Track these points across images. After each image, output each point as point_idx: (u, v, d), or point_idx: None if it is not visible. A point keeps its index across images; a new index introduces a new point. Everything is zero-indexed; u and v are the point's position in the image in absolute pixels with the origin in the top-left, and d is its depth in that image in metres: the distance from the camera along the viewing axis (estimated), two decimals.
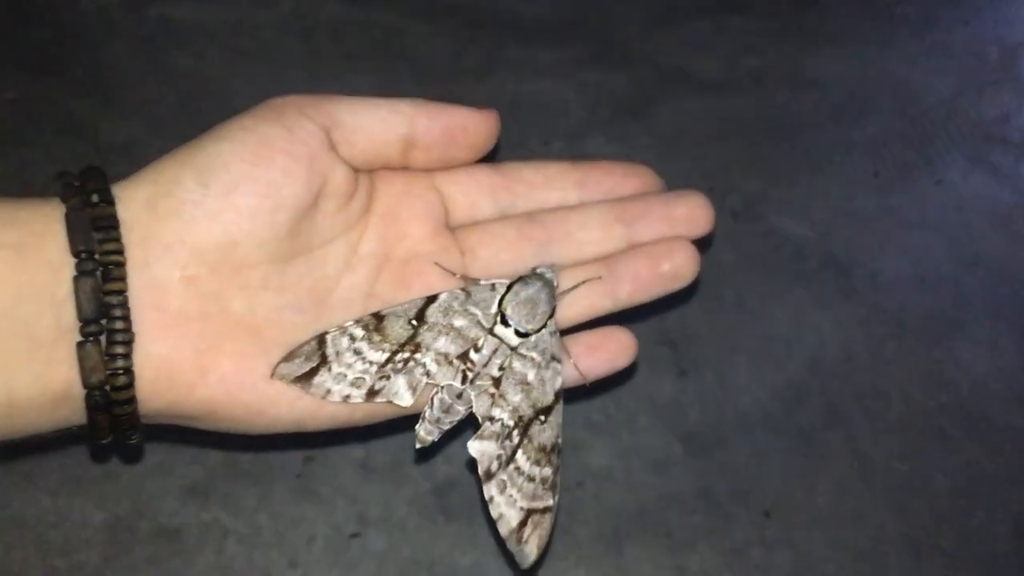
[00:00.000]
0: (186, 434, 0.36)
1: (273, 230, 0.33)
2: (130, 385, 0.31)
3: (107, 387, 0.31)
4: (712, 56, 0.68)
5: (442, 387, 0.36)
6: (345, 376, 0.35)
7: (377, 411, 0.36)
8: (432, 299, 0.36)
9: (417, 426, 0.36)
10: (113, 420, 0.32)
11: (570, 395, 0.39)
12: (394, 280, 0.37)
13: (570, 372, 0.37)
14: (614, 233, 0.39)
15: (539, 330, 0.36)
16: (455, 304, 0.36)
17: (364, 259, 0.37)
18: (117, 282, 0.30)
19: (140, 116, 0.59)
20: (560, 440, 0.37)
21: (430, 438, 0.36)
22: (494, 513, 0.35)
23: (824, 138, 0.64)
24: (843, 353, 0.54)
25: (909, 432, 0.52)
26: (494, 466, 0.35)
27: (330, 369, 0.34)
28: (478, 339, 0.36)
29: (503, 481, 0.35)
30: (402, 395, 0.35)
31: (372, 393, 0.35)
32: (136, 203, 0.31)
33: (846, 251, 0.59)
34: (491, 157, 0.60)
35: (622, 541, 0.47)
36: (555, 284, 0.36)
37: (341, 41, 0.65)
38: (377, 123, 0.35)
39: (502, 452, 0.35)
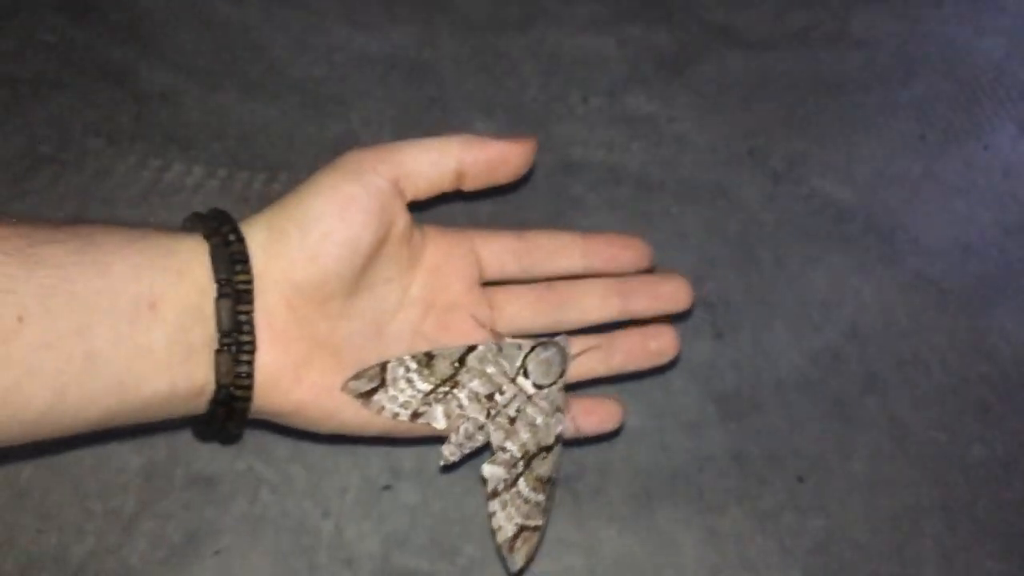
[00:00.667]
0: None
1: (351, 270, 0.40)
2: (250, 386, 0.38)
3: (232, 387, 0.38)
4: (757, 12, 0.67)
5: (469, 418, 0.43)
6: (397, 398, 0.42)
7: (416, 429, 0.43)
8: (472, 348, 0.43)
9: (443, 447, 0.42)
10: (229, 413, 0.39)
11: (567, 443, 0.44)
12: (437, 323, 0.44)
13: (568, 424, 0.44)
14: (611, 303, 0.46)
15: (551, 385, 0.43)
16: (489, 355, 0.43)
17: (414, 302, 0.44)
18: (247, 304, 0.38)
19: (177, 64, 0.59)
20: (556, 475, 0.43)
21: (453, 458, 0.42)
22: (494, 524, 0.42)
23: (869, 99, 0.63)
24: (883, 319, 0.54)
25: (948, 401, 0.51)
26: (500, 487, 0.42)
27: (387, 391, 0.42)
28: (502, 385, 0.43)
29: (505, 500, 0.42)
30: (439, 420, 0.43)
31: (415, 415, 0.42)
32: (255, 244, 0.39)
33: (889, 215, 0.58)
34: (532, 113, 0.59)
35: (653, 501, 0.47)
36: (568, 352, 0.44)
37: None
38: (432, 167, 0.42)
39: (508, 477, 0.42)
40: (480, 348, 0.44)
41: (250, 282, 0.38)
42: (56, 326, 0.33)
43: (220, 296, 0.37)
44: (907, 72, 0.64)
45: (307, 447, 0.46)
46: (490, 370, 0.43)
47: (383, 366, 0.42)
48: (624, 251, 0.47)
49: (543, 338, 0.44)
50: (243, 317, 0.38)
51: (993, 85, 0.64)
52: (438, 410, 0.43)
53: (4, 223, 0.34)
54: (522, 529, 0.42)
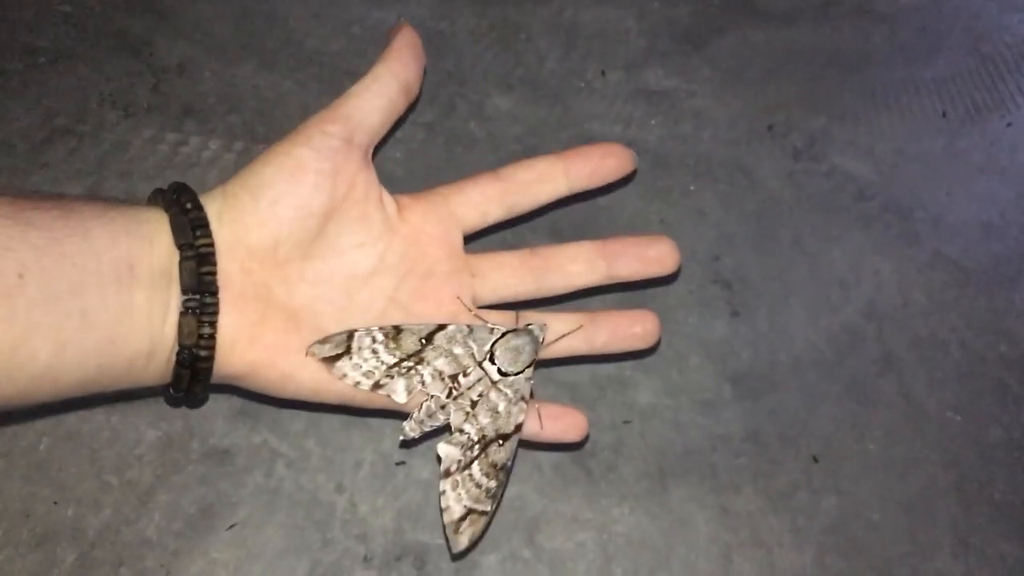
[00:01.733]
0: None
1: (305, 233, 0.41)
2: (212, 347, 0.39)
3: (195, 348, 0.39)
4: None
5: (431, 396, 0.43)
6: (360, 367, 0.42)
7: (375, 400, 0.43)
8: (442, 327, 0.44)
9: (404, 423, 0.42)
10: (194, 375, 0.39)
11: (524, 443, 0.44)
12: (413, 291, 0.44)
13: (533, 422, 0.44)
14: (597, 267, 0.46)
15: (518, 374, 0.43)
16: (459, 336, 0.44)
17: (389, 267, 0.44)
18: (210, 266, 0.39)
19: (195, 36, 0.58)
20: (511, 464, 0.43)
21: (412, 434, 0.42)
22: (443, 503, 0.42)
23: (892, 75, 0.62)
24: (901, 299, 0.53)
25: (965, 382, 0.51)
26: (453, 467, 0.42)
27: (351, 358, 0.42)
28: (468, 367, 0.43)
29: (457, 481, 0.42)
30: (399, 394, 0.43)
31: (377, 386, 0.42)
32: (212, 212, 0.40)
33: (909, 194, 0.57)
34: (550, 87, 0.59)
35: (667, 480, 0.47)
36: (540, 341, 0.44)
37: None
38: (380, 105, 0.43)
39: (462, 459, 0.42)
40: (451, 328, 0.44)
41: (211, 245, 0.39)
42: (52, 284, 0.35)
43: (183, 259, 0.38)
44: (930, 48, 0.63)
45: (322, 421, 0.47)
46: (457, 351, 0.43)
47: (350, 334, 0.42)
48: (605, 159, 0.47)
49: (520, 327, 0.44)
50: (207, 279, 0.39)
51: (1017, 62, 0.63)
52: (400, 384, 0.43)
53: None
54: (469, 512, 0.42)
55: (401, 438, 0.43)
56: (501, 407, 0.43)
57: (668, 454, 0.48)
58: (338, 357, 0.42)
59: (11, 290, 0.34)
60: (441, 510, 0.42)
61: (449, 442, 0.42)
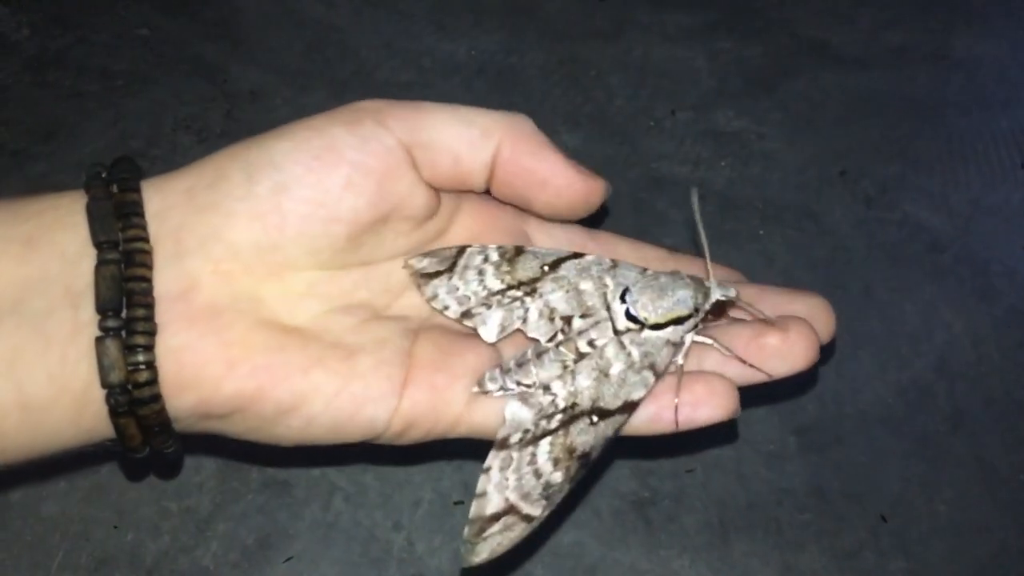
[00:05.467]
0: None
1: (327, 240, 0.31)
2: (153, 381, 0.28)
3: (129, 385, 0.28)
4: (853, 28, 0.65)
5: (532, 342, 0.34)
6: (457, 289, 0.34)
7: (411, 433, 0.33)
8: (578, 255, 0.34)
9: (486, 371, 0.33)
10: (140, 423, 0.29)
11: (651, 444, 0.36)
12: (449, 336, 0.34)
13: (665, 408, 0.33)
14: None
15: (656, 327, 0.32)
16: (594, 269, 0.33)
17: None
18: (140, 268, 0.28)
19: (267, 62, 0.59)
20: (593, 456, 0.33)
21: (492, 385, 0.32)
22: (480, 486, 0.31)
23: (968, 124, 0.61)
24: (974, 355, 0.52)
25: None
26: (515, 437, 0.31)
27: (450, 278, 0.34)
28: (592, 309, 0.33)
29: (511, 458, 0.31)
30: (489, 328, 0.34)
31: (466, 315, 0.34)
32: (175, 193, 0.30)
33: (984, 246, 0.56)
34: (618, 125, 0.58)
35: (729, 533, 0.46)
36: (708, 299, 0.32)
37: None
38: (464, 143, 0.32)
39: (532, 429, 0.32)
40: (589, 257, 0.34)
41: (144, 239, 0.29)
42: None
43: (100, 263, 0.28)
44: (1008, 97, 0.62)
45: (381, 456, 0.46)
46: (584, 286, 0.33)
47: (461, 249, 0.34)
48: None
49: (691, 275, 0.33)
50: (134, 285, 0.28)
51: None
52: (495, 316, 0.34)
53: None
54: (508, 511, 0.31)
55: (475, 389, 0.32)
56: (615, 370, 0.32)
57: (730, 506, 0.46)
58: (438, 274, 0.33)
59: None
60: (475, 497, 0.32)
61: (523, 401, 0.32)
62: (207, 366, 0.29)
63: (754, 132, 0.59)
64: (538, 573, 0.44)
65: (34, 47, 0.58)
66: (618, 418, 0.32)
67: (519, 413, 0.31)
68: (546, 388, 0.32)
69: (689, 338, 0.33)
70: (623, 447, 0.45)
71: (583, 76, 0.61)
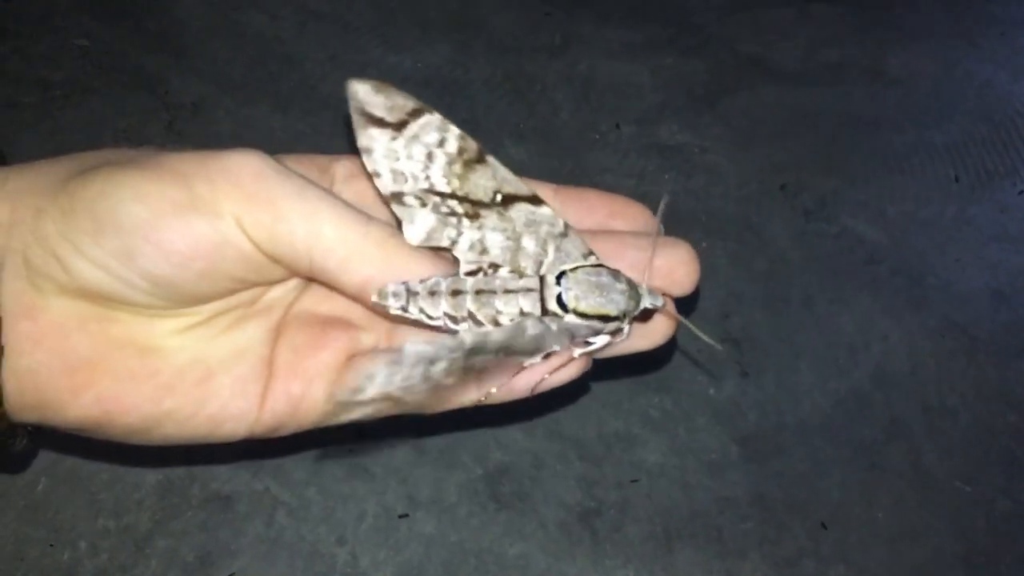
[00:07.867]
0: None
1: (180, 281, 0.29)
2: None
3: None
4: (792, 45, 0.66)
5: (455, 272, 0.31)
6: (397, 158, 0.31)
7: (281, 424, 0.32)
8: (539, 203, 0.32)
9: (392, 285, 0.30)
10: None
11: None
12: (309, 331, 0.33)
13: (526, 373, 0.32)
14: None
15: (581, 316, 0.31)
16: (544, 228, 0.31)
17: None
18: None
19: (210, 74, 0.58)
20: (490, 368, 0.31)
21: (393, 301, 0.30)
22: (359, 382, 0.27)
23: (903, 139, 0.62)
24: (910, 365, 0.53)
25: (974, 451, 0.50)
26: (408, 361, 0.27)
27: (393, 139, 0.31)
28: (525, 271, 0.31)
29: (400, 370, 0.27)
30: (416, 230, 0.31)
31: (396, 198, 0.31)
32: (23, 207, 0.27)
33: (920, 259, 0.57)
34: (563, 139, 0.59)
35: (673, 542, 0.46)
36: (639, 306, 0.32)
37: (415, 8, 0.63)
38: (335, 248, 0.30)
39: (431, 361, 0.28)
40: (546, 211, 0.32)
41: None
42: None
43: None
44: (942, 113, 0.64)
45: (325, 469, 0.46)
46: (526, 243, 0.32)
47: (419, 110, 0.32)
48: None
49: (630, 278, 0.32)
50: None
51: None
52: (425, 220, 0.31)
53: None
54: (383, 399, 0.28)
55: (375, 299, 0.30)
56: (531, 332, 0.30)
57: (674, 516, 0.47)
58: (380, 122, 0.31)
59: None
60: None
61: (428, 343, 0.27)
62: (51, 392, 0.28)
63: (697, 146, 0.60)
64: None
65: None
66: (524, 357, 0.31)
67: (419, 349, 0.27)
68: (452, 319, 0.31)
69: (603, 339, 0.32)
70: (572, 452, 0.46)
71: (528, 90, 0.61)
